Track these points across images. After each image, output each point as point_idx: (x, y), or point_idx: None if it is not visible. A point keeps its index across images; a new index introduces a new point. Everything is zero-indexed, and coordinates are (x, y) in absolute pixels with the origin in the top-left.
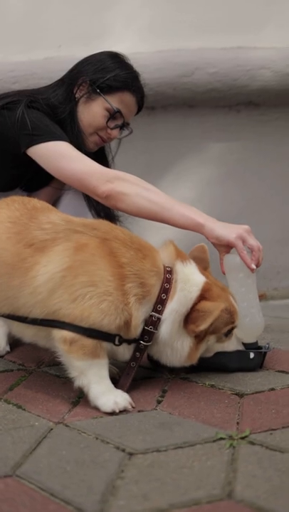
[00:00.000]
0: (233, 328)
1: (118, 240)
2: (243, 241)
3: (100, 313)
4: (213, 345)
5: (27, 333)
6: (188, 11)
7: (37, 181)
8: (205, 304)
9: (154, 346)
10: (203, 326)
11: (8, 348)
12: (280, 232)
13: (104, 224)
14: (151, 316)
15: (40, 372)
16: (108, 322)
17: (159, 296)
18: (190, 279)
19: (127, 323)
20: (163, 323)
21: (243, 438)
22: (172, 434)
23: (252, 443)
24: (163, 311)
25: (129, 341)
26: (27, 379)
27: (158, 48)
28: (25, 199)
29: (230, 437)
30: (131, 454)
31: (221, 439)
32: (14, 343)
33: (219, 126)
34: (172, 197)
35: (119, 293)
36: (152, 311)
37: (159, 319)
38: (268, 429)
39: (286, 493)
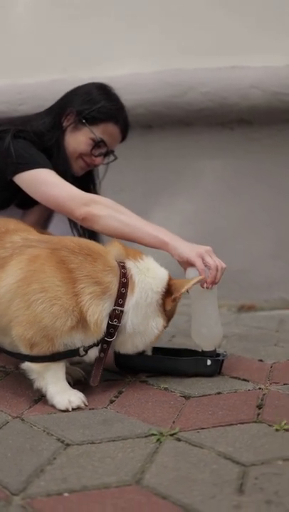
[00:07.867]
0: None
1: (67, 248)
2: (202, 259)
3: (52, 316)
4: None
5: (5, 342)
6: (183, 34)
7: (30, 199)
8: (179, 280)
9: (118, 338)
10: (187, 287)
11: None
12: (273, 246)
13: (55, 237)
14: (114, 310)
15: (18, 373)
16: (60, 324)
17: (118, 290)
18: (154, 267)
19: (83, 323)
20: (127, 315)
21: (172, 435)
22: (110, 429)
23: (178, 439)
24: (124, 303)
25: (96, 344)
26: (3, 379)
27: (155, 69)
28: (1, 221)
29: (161, 434)
30: (68, 445)
31: (152, 435)
32: None
33: (214, 144)
34: (170, 211)
35: (69, 296)
36: (114, 305)
37: (121, 312)
38: (197, 428)
39: (188, 482)
